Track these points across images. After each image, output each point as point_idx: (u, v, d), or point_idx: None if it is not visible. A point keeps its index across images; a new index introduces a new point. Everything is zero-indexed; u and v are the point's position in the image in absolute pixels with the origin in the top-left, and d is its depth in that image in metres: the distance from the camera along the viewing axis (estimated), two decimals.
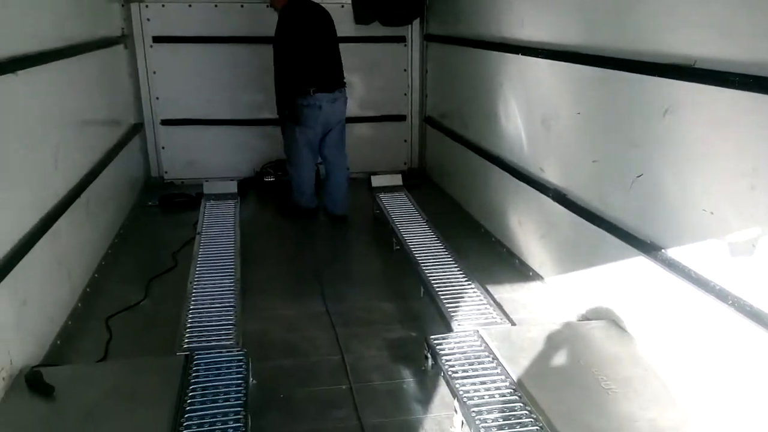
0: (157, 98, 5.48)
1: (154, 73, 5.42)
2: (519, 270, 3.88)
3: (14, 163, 2.67)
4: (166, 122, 5.56)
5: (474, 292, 3.28)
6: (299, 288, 3.72)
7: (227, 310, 3.06)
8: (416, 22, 5.76)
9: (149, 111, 5.50)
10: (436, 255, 3.72)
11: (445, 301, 3.18)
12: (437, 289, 3.31)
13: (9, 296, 2.50)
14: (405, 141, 6.10)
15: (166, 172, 5.69)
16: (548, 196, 3.43)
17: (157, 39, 5.33)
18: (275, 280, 3.85)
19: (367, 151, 5.92)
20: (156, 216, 4.93)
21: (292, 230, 4.76)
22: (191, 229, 4.26)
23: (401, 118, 6.01)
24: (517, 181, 3.84)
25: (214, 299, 3.17)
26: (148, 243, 4.43)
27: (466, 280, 3.40)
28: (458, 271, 3.51)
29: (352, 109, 5.82)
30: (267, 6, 4.66)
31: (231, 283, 3.34)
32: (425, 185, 5.79)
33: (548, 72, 3.44)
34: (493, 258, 4.12)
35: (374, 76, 5.85)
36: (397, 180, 4.98)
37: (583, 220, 3.09)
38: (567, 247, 3.40)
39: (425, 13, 5.67)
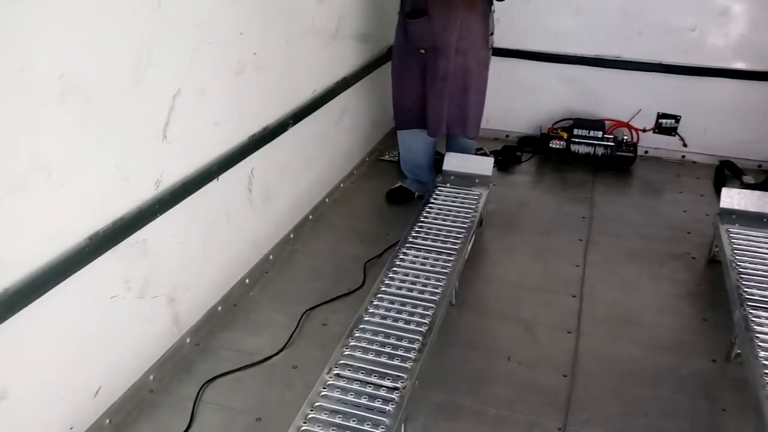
0: None
1: None
2: None
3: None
4: None
5: None
6: (532, 413, 2.09)
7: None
8: None
9: None
10: None
11: None
12: None
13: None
14: None
15: None
16: None
17: None
18: (489, 375, 2.23)
19: (721, 121, 3.77)
20: (386, 178, 3.60)
21: (554, 259, 2.97)
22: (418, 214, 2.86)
23: None
24: None
25: (361, 400, 1.77)
26: (347, 230, 3.15)
27: None
28: None
29: (705, 56, 3.65)
30: None
31: (405, 375, 1.88)
32: None
33: None
34: None
35: None
36: None
37: None
38: None
39: None
